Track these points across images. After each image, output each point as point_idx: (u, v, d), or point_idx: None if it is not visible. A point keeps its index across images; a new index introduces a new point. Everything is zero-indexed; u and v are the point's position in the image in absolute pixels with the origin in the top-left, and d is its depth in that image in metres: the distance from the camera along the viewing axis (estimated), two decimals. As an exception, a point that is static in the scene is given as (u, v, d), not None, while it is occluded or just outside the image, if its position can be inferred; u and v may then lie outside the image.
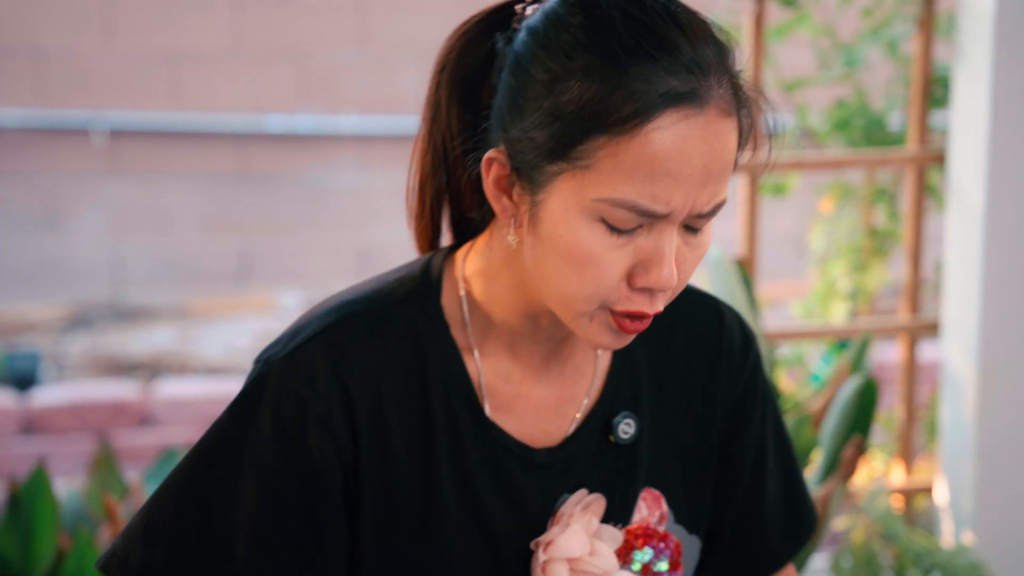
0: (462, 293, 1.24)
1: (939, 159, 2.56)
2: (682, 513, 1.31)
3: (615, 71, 1.10)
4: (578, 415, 1.27)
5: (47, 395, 3.97)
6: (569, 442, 1.26)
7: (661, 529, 1.28)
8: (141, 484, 2.46)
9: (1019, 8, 2.34)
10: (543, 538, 1.24)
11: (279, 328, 5.01)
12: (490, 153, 1.17)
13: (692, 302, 1.33)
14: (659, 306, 1.16)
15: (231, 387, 4.15)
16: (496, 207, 1.19)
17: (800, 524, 1.39)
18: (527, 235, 1.17)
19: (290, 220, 5.36)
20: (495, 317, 1.23)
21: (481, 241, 1.25)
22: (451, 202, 1.29)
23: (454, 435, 1.22)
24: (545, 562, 1.24)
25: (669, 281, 1.13)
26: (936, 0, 2.56)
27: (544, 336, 1.25)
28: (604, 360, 1.29)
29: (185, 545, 1.17)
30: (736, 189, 2.62)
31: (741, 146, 1.16)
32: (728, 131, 1.13)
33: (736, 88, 1.14)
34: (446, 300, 1.24)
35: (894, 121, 2.81)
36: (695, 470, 1.32)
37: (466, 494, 1.22)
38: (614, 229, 1.12)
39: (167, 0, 5.15)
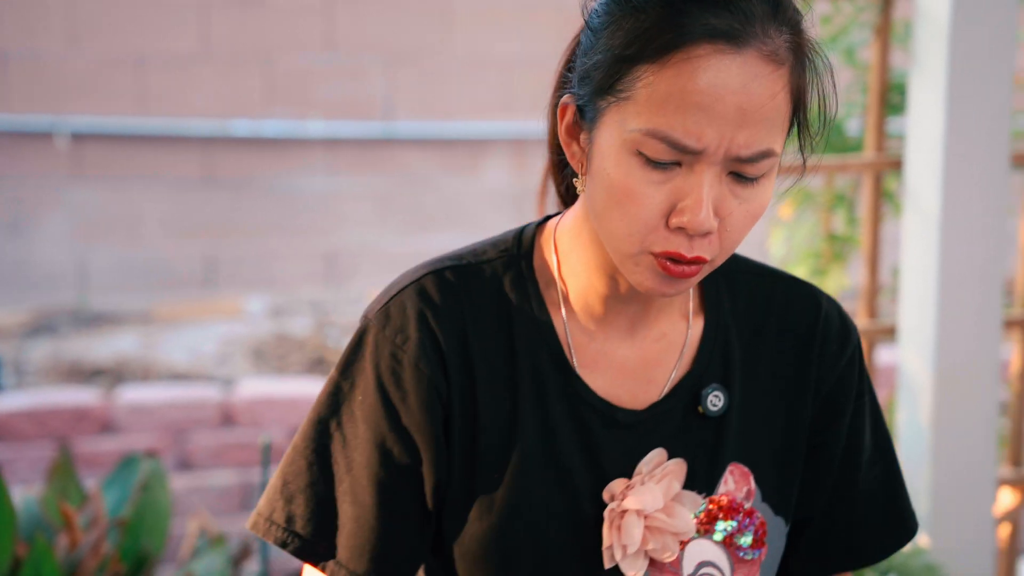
0: (551, 253, 1.29)
1: (896, 165, 2.58)
2: (769, 492, 1.32)
3: (664, 7, 1.16)
4: (667, 383, 1.30)
5: (8, 401, 3.95)
6: (655, 407, 1.30)
7: (747, 505, 1.30)
8: (99, 491, 2.46)
9: (974, 16, 2.36)
10: (618, 491, 1.27)
11: (246, 333, 5.01)
12: (564, 99, 1.24)
13: (789, 287, 1.36)
14: (699, 252, 1.18)
15: (196, 393, 4.15)
16: (568, 154, 1.25)
17: (899, 526, 1.39)
18: (588, 178, 1.22)
19: (257, 225, 5.35)
20: (580, 276, 1.28)
21: (575, 205, 1.30)
22: (555, 172, 1.35)
23: (539, 386, 1.27)
24: (619, 514, 1.26)
25: (703, 224, 1.16)
26: (893, 8, 2.58)
27: (625, 296, 1.28)
28: (695, 331, 1.32)
29: (318, 495, 1.26)
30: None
31: (799, 104, 1.19)
32: (772, 78, 1.15)
33: (795, 43, 1.18)
34: (537, 260, 1.30)
35: (853, 127, 2.82)
36: (785, 452, 1.33)
37: (548, 445, 1.26)
38: (651, 162, 1.17)
39: (133, 3, 5.13)
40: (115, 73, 5.15)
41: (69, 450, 2.64)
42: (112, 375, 4.44)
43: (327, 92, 5.37)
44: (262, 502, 1.29)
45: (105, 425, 3.97)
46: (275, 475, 1.29)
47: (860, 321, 2.68)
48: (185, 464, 4.04)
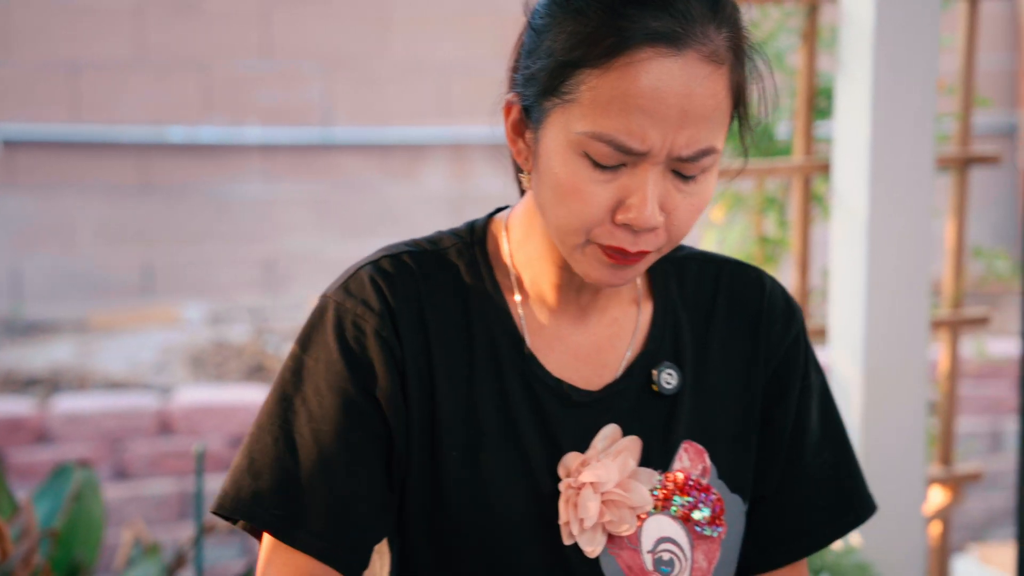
0: (504, 243, 1.33)
1: (824, 168, 2.61)
2: (725, 470, 1.34)
3: (604, 11, 1.19)
4: (620, 365, 1.33)
5: (-59, 412, 3.91)
6: (610, 387, 1.32)
7: (704, 481, 1.31)
8: (31, 502, 2.44)
9: (898, 21, 2.39)
10: (573, 466, 1.28)
11: (184, 341, 4.98)
12: (508, 97, 1.27)
13: (736, 271, 1.39)
14: (644, 246, 1.22)
15: (132, 401, 4.12)
16: (514, 151, 1.28)
17: (848, 508, 1.40)
18: (535, 175, 1.25)
19: (194, 232, 5.32)
20: (533, 265, 1.31)
21: (524, 198, 1.33)
22: (514, 165, 1.36)
23: (495, 366, 1.30)
24: (575, 490, 1.28)
25: (649, 220, 1.20)
26: (819, 13, 2.61)
27: (576, 285, 1.31)
28: (645, 315, 1.35)
29: (285, 468, 1.26)
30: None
31: (739, 100, 1.23)
32: (712, 78, 1.19)
33: (734, 42, 1.21)
34: (491, 249, 1.34)
35: (782, 131, 2.86)
36: (738, 430, 1.35)
37: (504, 423, 1.29)
38: (597, 164, 1.20)
39: (66, 9, 5.09)
40: (48, 80, 5.11)
41: (2, 460, 2.61)
42: (47, 384, 4.40)
43: (264, 98, 5.35)
44: (227, 483, 1.29)
45: (40, 435, 3.93)
46: (239, 455, 1.29)
47: (791, 323, 2.72)
48: (122, 473, 4.01)
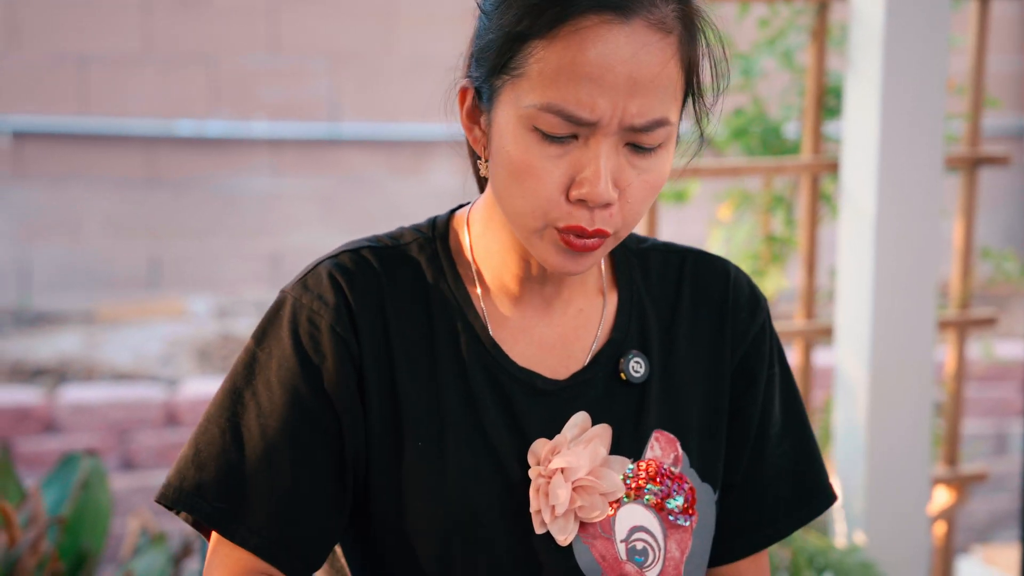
0: (465, 237, 1.32)
1: (833, 167, 2.62)
2: (696, 459, 1.33)
3: None
4: (587, 354, 1.32)
5: (-51, 401, 3.92)
6: (577, 376, 1.31)
7: (676, 470, 1.31)
8: (38, 490, 2.45)
9: (907, 20, 2.40)
10: (543, 453, 1.27)
11: (190, 334, 4.99)
12: (461, 83, 1.26)
13: (700, 260, 1.38)
14: (601, 224, 1.20)
15: (139, 392, 4.13)
16: (470, 139, 1.27)
17: (807, 498, 1.39)
18: (490, 160, 1.24)
19: (201, 225, 5.33)
20: (494, 257, 1.30)
21: (486, 191, 1.31)
22: (472, 160, 1.36)
23: (458, 358, 1.28)
24: (545, 478, 1.26)
25: (602, 195, 1.18)
26: (829, 11, 2.61)
27: (538, 276, 1.30)
28: (611, 306, 1.34)
29: (230, 461, 1.25)
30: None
31: (691, 73, 1.21)
32: (660, 46, 1.18)
33: (683, 12, 1.20)
34: (452, 243, 1.33)
35: (790, 130, 2.86)
36: (708, 419, 1.34)
37: (470, 414, 1.27)
38: (547, 137, 1.18)
39: (74, 2, 5.10)
40: (57, 72, 5.12)
41: (9, 449, 2.62)
42: (54, 375, 4.41)
43: (271, 93, 5.36)
44: (171, 473, 1.27)
45: (47, 425, 3.94)
46: (186, 445, 1.28)
47: (797, 322, 2.72)
48: (128, 464, 4.02)
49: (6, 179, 5.11)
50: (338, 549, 1.34)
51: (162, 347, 4.83)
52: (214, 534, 1.28)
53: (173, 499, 1.26)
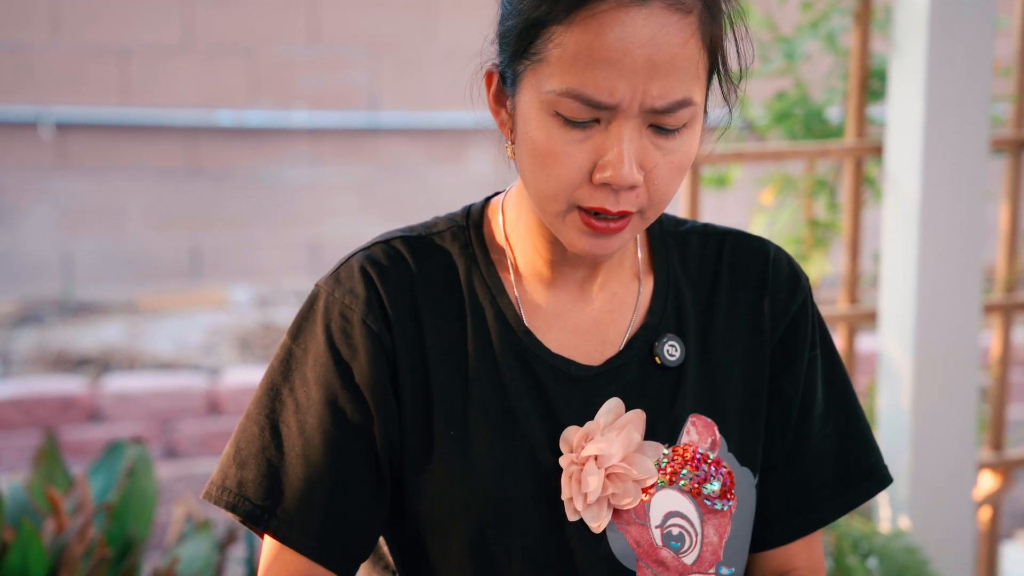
0: (499, 224, 1.32)
1: (877, 151, 2.60)
2: (734, 443, 1.31)
3: None
4: (622, 340, 1.31)
5: (-6, 390, 3.95)
6: (611, 362, 1.30)
7: (712, 455, 1.30)
8: (85, 477, 2.46)
9: (953, 2, 2.37)
10: (576, 440, 1.27)
11: (231, 323, 5.01)
12: (487, 67, 1.26)
13: (738, 240, 1.37)
14: (625, 206, 1.20)
15: (182, 382, 4.15)
16: (497, 122, 1.27)
17: (855, 481, 1.37)
18: (516, 144, 1.24)
19: (241, 215, 5.35)
20: (527, 242, 1.30)
21: (519, 177, 1.31)
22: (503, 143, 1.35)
23: (491, 347, 1.28)
24: (578, 465, 1.26)
25: (626, 177, 1.18)
26: (873, -6, 2.59)
27: (571, 260, 1.30)
28: (646, 290, 1.33)
29: (270, 459, 1.26)
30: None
31: (714, 52, 1.20)
32: (679, 26, 1.17)
33: None
34: (486, 231, 1.33)
35: (834, 114, 2.84)
36: (747, 402, 1.33)
37: (502, 401, 1.27)
38: (568, 122, 1.18)
39: (116, -6, 5.13)
40: (99, 64, 5.15)
41: (55, 437, 2.64)
42: (98, 364, 4.44)
43: (311, 83, 5.38)
44: (215, 471, 1.29)
45: (91, 414, 3.97)
46: (228, 444, 1.30)
47: (841, 307, 2.71)
48: (171, 452, 4.04)
49: (49, 170, 5.15)
50: (381, 540, 1.35)
51: (203, 336, 4.86)
52: (267, 539, 1.29)
53: (216, 496, 1.28)
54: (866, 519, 2.65)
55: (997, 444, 2.77)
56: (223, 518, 3.52)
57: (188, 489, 3.79)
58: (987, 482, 2.77)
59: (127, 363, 4.52)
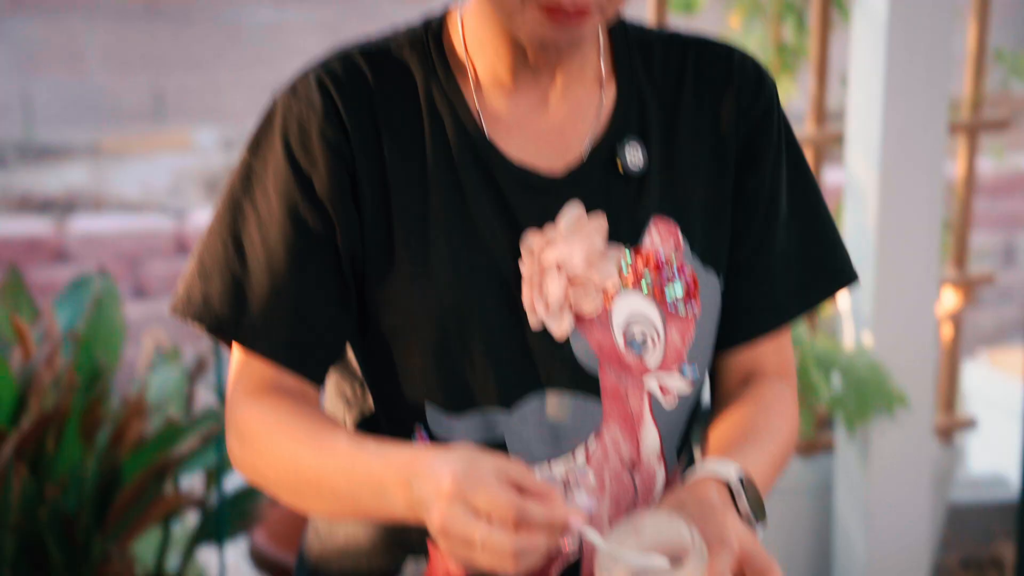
0: (458, 33, 1.30)
1: (844, -31, 2.57)
2: (698, 245, 1.31)
3: None
4: (584, 145, 1.30)
5: (-42, 232, 3.93)
6: (573, 168, 1.29)
7: (675, 257, 1.29)
8: (51, 308, 2.46)
9: None
10: (537, 246, 1.27)
11: (197, 165, 4.98)
12: None
13: (704, 47, 1.34)
14: (581, 3, 1.18)
15: (149, 223, 4.14)
16: None
17: (820, 279, 1.37)
18: None
19: (205, 56, 5.27)
20: (487, 49, 1.28)
21: None
22: None
23: (451, 158, 1.27)
24: (539, 271, 1.26)
25: None
26: None
27: (533, 65, 1.28)
28: (609, 96, 1.32)
29: (234, 272, 1.27)
30: (644, 8, 2.62)
31: None
32: None
33: None
34: (445, 41, 1.31)
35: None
36: (711, 204, 1.32)
37: (461, 208, 1.27)
38: None
39: None
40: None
41: (21, 274, 2.63)
42: (63, 207, 4.41)
43: (271, -81, 5.26)
44: (180, 287, 1.29)
45: (58, 255, 3.96)
46: (191, 259, 1.30)
47: (809, 129, 2.70)
48: (140, 292, 4.05)
49: (6, 10, 5.04)
50: (350, 352, 1.35)
51: (169, 179, 4.83)
52: (234, 352, 1.29)
53: (183, 310, 1.28)
54: (829, 336, 2.68)
55: (960, 261, 2.79)
56: (193, 348, 3.53)
57: (158, 326, 3.80)
58: (950, 299, 2.80)
59: (92, 205, 4.49)
